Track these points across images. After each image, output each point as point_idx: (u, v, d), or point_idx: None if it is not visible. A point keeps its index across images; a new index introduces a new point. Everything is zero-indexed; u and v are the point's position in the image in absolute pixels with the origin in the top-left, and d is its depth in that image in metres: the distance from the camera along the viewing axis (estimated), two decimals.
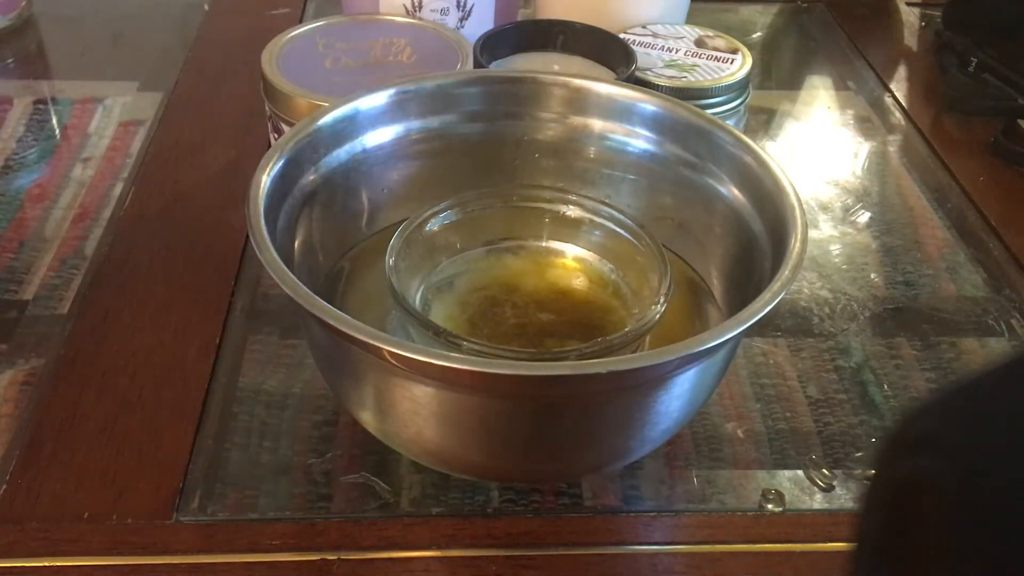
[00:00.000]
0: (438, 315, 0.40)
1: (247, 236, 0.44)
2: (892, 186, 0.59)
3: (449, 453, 0.36)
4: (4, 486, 0.38)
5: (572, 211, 0.43)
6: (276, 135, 0.50)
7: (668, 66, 0.53)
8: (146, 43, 0.69)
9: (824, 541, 0.38)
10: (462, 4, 0.55)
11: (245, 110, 0.60)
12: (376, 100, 0.42)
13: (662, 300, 0.38)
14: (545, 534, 0.38)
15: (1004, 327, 0.49)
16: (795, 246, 0.35)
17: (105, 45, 0.70)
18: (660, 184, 0.44)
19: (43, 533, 0.37)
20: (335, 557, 0.37)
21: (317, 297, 0.32)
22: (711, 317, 0.42)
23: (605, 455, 0.37)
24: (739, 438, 0.43)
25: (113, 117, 0.61)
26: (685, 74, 0.52)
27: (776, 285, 0.33)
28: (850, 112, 0.67)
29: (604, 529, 0.38)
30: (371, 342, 0.30)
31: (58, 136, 0.59)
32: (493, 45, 0.51)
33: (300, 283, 0.32)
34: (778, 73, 0.73)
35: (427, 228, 0.41)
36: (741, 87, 0.52)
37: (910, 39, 0.75)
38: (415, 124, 0.43)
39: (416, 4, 0.55)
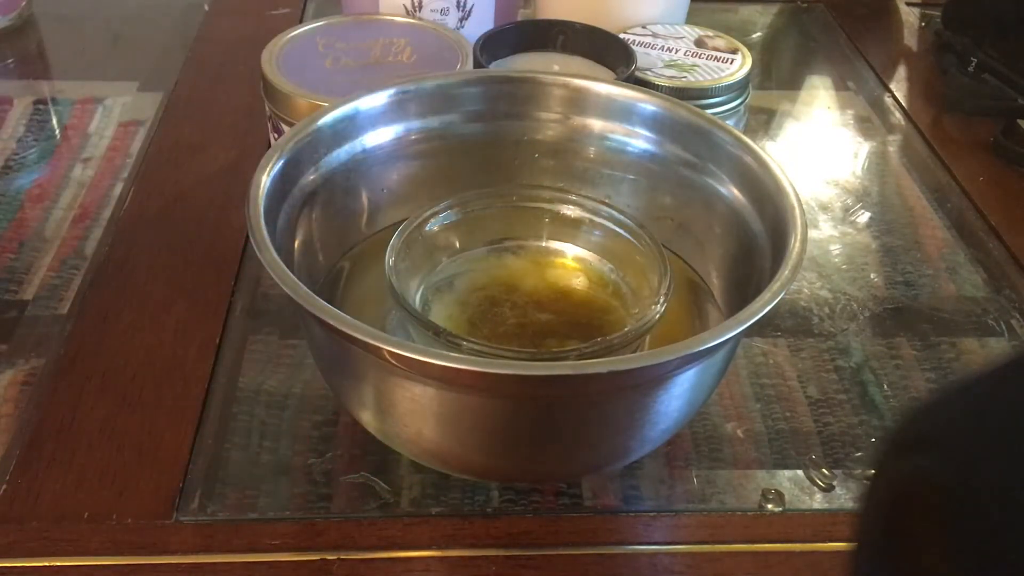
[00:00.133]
0: (438, 315, 0.40)
1: (247, 236, 0.44)
2: (892, 186, 0.59)
3: (449, 453, 0.36)
4: (4, 486, 0.38)
5: (572, 211, 0.43)
6: (276, 135, 0.50)
7: (668, 66, 0.53)
8: (146, 43, 0.69)
9: (824, 541, 0.38)
10: (462, 4, 0.55)
11: (245, 110, 0.60)
12: (376, 100, 0.42)
13: (662, 300, 0.38)
14: (545, 534, 0.38)
15: (1004, 327, 0.49)
16: (795, 246, 0.35)
17: (105, 45, 0.70)
18: (660, 184, 0.44)
19: (43, 533, 0.37)
20: (335, 557, 0.37)
21: (317, 297, 0.32)
22: (711, 317, 0.42)
23: (605, 455, 0.37)
24: (739, 438, 0.43)
25: (113, 117, 0.61)
26: (685, 74, 0.52)
27: (776, 285, 0.33)
28: (850, 112, 0.67)
29: (604, 529, 0.38)
30: (371, 342, 0.30)
31: (58, 136, 0.59)
32: (493, 45, 0.51)
33: (300, 283, 0.32)
34: (778, 73, 0.73)
35: (427, 228, 0.41)
36: (741, 87, 0.52)
37: (910, 39, 0.75)
38: (415, 124, 0.43)
39: (416, 4, 0.55)
